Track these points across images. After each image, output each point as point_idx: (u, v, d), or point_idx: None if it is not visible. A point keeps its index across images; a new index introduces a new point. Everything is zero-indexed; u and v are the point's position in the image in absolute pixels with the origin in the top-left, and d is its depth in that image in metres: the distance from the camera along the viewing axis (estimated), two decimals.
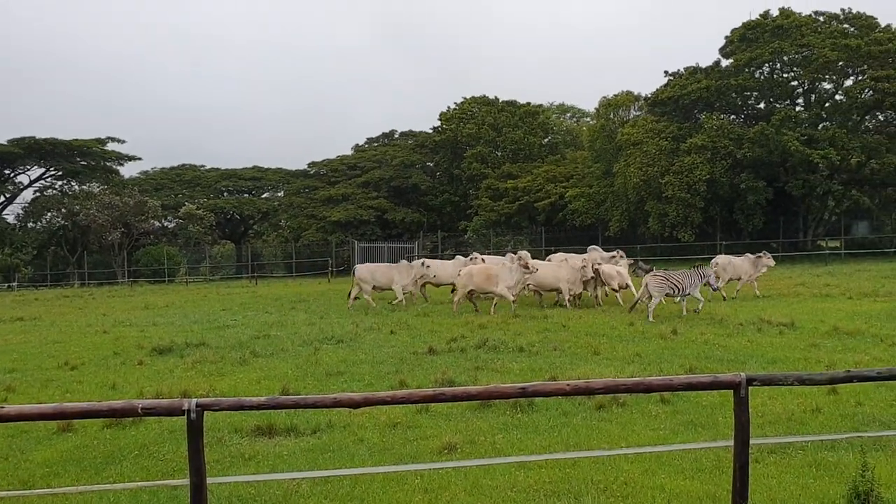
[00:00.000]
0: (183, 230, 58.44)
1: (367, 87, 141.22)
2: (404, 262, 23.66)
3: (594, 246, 25.80)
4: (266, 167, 67.89)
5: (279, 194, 67.48)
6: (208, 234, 58.96)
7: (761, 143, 40.16)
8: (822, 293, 21.60)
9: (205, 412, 4.81)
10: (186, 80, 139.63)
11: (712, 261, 22.78)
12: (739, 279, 22.51)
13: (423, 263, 23.14)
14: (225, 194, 65.54)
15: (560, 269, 21.26)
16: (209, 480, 5.05)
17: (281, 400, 5.00)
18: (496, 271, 20.16)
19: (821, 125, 42.60)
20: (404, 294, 22.75)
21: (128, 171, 66.17)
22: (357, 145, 69.92)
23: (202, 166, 67.68)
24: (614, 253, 23.33)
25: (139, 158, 62.95)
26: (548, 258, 24.39)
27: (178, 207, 59.81)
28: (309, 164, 66.91)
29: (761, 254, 23.06)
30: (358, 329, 17.02)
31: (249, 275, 52.14)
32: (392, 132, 70.00)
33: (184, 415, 4.79)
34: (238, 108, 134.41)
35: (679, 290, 17.94)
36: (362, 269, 23.06)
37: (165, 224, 61.66)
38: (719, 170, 41.60)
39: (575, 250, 29.50)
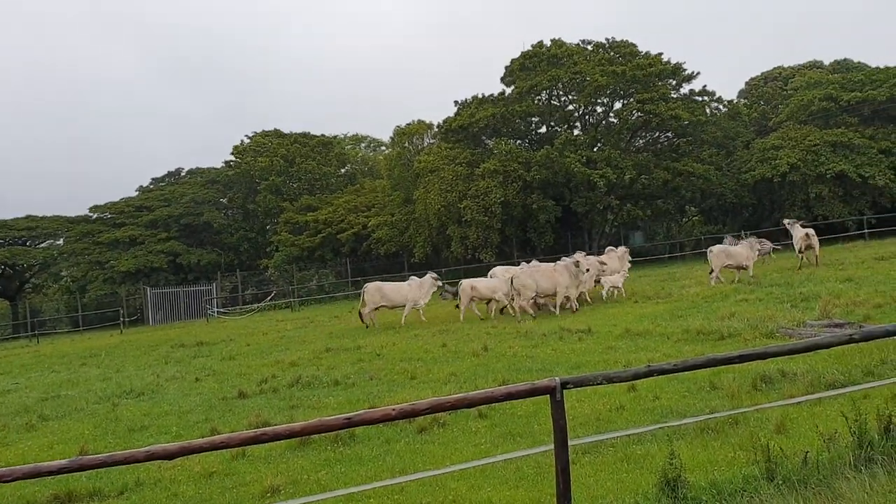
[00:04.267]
0: None
1: (149, 123, 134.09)
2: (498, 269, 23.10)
3: (580, 251, 26.70)
4: (41, 215, 62.15)
5: (58, 243, 61.94)
6: None
7: (547, 165, 42.77)
8: (611, 299, 23.22)
9: None
10: None
11: (708, 249, 23.96)
12: (740, 267, 23.18)
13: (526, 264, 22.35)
14: None
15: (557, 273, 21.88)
16: None
17: (86, 460, 4.49)
18: None
19: (597, 146, 46.13)
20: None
21: None
22: (142, 186, 66.12)
23: None
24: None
25: None
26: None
27: None
28: (91, 209, 62.09)
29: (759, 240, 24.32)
30: (159, 380, 15.98)
31: (29, 333, 47.40)
32: (178, 170, 66.99)
33: None
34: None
35: None
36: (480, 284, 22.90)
37: None
38: (512, 192, 43.70)
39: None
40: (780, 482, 5.50)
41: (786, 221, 27.28)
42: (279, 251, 54.37)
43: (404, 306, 23.61)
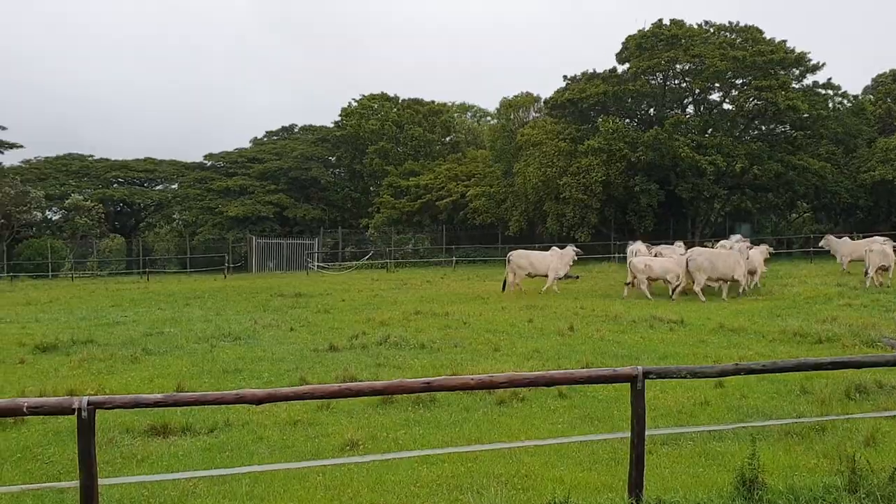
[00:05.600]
0: (69, 222, 55.49)
1: (261, 80, 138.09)
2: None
3: (679, 243, 26.95)
4: (159, 159, 65.41)
5: (173, 186, 65.08)
6: (97, 226, 56.21)
7: (654, 147, 41.68)
8: (708, 292, 22.59)
9: (97, 410, 4.60)
10: (66, 66, 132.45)
11: (867, 249, 22.89)
12: (886, 269, 22.22)
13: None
14: (115, 185, 62.63)
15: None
16: (100, 482, 4.82)
17: (180, 397, 4.83)
18: None
19: (709, 132, 44.60)
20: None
21: (8, 159, 62.19)
22: (256, 138, 68.49)
23: (90, 156, 64.40)
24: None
25: (20, 146, 59.14)
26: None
27: (63, 198, 56.74)
28: (205, 156, 64.99)
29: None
30: (256, 326, 16.67)
31: (141, 270, 50.13)
32: (292, 126, 68.94)
33: (74, 413, 4.56)
34: (124, 97, 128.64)
35: None
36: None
37: (50, 216, 58.36)
38: (614, 172, 42.91)
39: (476, 249, 30.04)
40: (863, 496, 5.32)
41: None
42: (380, 213, 55.42)
43: (545, 276, 24.23)
